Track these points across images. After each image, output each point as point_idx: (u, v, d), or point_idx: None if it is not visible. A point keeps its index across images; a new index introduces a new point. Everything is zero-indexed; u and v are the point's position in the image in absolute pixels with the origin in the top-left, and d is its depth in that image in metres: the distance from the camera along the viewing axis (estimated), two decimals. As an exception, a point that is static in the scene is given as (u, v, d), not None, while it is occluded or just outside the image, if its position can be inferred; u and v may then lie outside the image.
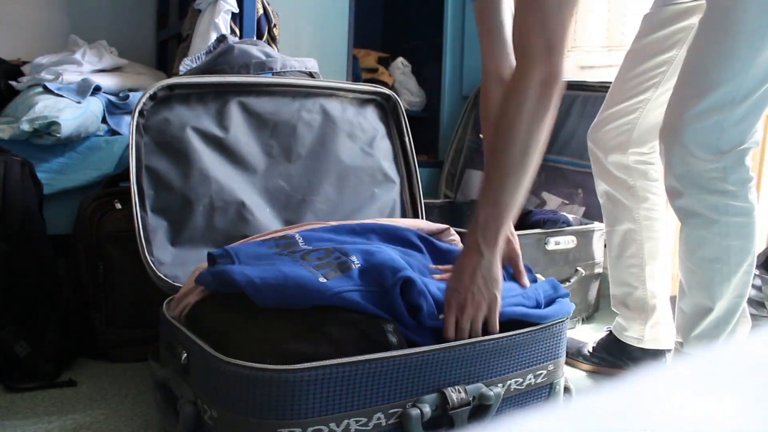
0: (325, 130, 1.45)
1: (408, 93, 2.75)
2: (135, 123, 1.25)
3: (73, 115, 1.59)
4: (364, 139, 1.50)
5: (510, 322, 0.98)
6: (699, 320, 1.25)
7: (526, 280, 1.09)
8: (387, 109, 1.55)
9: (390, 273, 0.93)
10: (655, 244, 1.42)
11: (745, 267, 1.21)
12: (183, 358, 0.93)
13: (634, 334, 1.46)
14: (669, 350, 1.47)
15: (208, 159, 1.32)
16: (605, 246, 1.84)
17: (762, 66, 1.10)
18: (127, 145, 1.70)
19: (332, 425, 0.84)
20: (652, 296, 1.43)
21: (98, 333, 1.44)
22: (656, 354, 1.47)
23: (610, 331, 1.53)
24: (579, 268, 1.71)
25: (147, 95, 1.27)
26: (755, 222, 1.20)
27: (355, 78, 2.52)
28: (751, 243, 1.21)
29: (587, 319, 1.86)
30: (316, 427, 0.83)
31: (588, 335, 1.67)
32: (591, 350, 1.54)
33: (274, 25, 1.94)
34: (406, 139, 1.54)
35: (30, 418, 1.14)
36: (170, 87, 1.30)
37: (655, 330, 1.45)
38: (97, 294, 1.44)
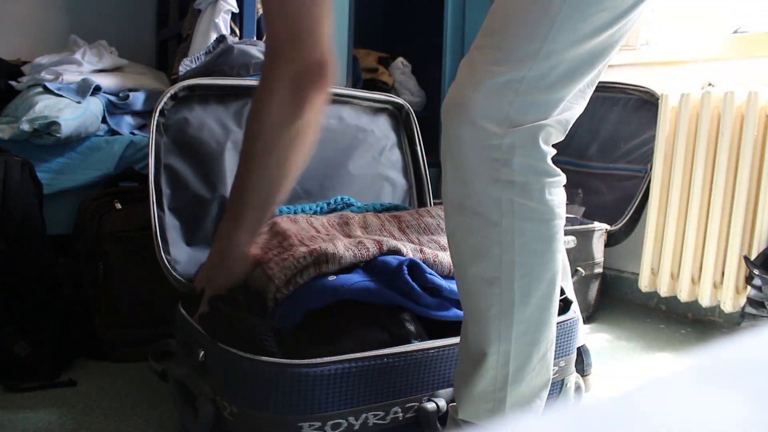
0: (338, 135, 1.48)
1: (408, 93, 2.75)
2: (155, 122, 1.27)
3: (73, 115, 1.59)
4: (375, 147, 1.53)
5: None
6: (472, 371, 0.82)
7: None
8: (399, 118, 1.58)
9: (393, 260, 0.96)
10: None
11: (543, 305, 0.81)
12: (200, 355, 0.93)
13: None
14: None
15: (226, 159, 1.33)
16: (605, 246, 1.84)
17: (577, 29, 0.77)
18: (127, 145, 1.71)
19: (351, 419, 0.84)
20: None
21: (98, 333, 1.44)
22: None
23: None
24: (579, 268, 1.71)
25: (168, 95, 1.29)
26: (559, 238, 0.81)
27: (356, 78, 2.51)
28: (552, 271, 0.80)
29: (587, 319, 1.85)
30: (335, 421, 0.83)
31: (588, 335, 1.67)
32: None
33: (274, 25, 1.93)
34: (418, 148, 1.57)
35: (30, 418, 1.14)
36: (191, 87, 1.32)
37: None
38: (97, 294, 1.44)
